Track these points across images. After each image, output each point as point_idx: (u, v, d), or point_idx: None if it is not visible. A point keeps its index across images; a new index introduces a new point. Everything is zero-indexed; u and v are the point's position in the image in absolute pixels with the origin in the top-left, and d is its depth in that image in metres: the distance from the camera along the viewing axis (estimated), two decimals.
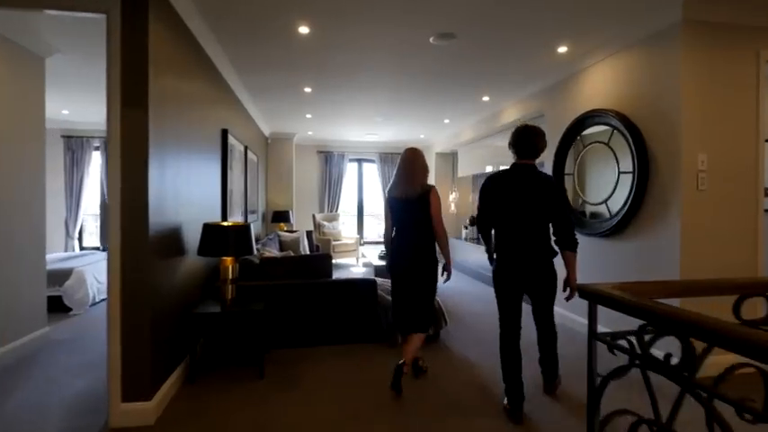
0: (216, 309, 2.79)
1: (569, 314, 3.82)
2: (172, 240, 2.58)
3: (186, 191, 2.84)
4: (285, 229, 7.11)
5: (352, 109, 5.70)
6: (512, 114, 5.22)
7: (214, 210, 3.63)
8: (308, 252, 6.16)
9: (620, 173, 3.35)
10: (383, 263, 5.47)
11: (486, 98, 5.07)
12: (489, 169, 6.76)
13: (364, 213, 9.21)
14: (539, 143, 2.39)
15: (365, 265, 6.44)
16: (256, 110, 5.75)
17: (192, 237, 2.92)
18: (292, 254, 3.98)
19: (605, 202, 3.49)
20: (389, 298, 3.46)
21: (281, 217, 7.17)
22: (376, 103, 5.41)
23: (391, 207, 2.73)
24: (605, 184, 3.52)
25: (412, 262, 2.64)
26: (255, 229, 5.99)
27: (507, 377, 2.33)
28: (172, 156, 2.56)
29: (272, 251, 4.09)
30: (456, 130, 7.11)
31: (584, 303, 1.16)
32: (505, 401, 2.35)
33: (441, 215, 2.63)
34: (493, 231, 2.51)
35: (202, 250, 2.79)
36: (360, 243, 8.34)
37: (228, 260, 2.86)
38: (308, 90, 4.73)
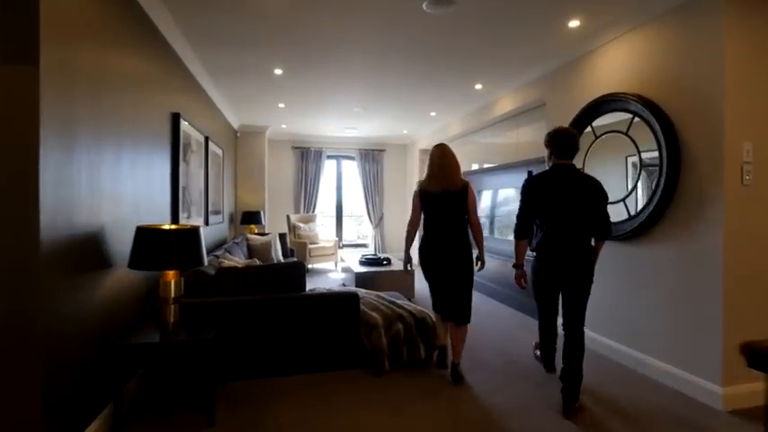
0: (154, 337, 2.16)
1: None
2: (87, 249, 1.94)
3: (113, 184, 2.21)
4: (256, 231, 6.45)
5: (329, 97, 5.11)
6: (506, 105, 4.74)
7: (160, 210, 2.98)
8: (280, 257, 5.53)
9: (642, 166, 2.89)
10: (365, 269, 4.91)
11: (478, 86, 4.58)
12: (475, 167, 6.30)
13: (343, 214, 8.61)
14: (577, 144, 2.46)
15: (344, 270, 5.86)
16: (221, 97, 5.09)
17: (124, 243, 2.29)
18: (258, 262, 3.36)
19: (623, 200, 3.03)
20: (374, 314, 2.91)
21: (251, 218, 6.50)
22: (356, 91, 4.84)
23: (425, 201, 2.76)
24: (623, 179, 3.06)
25: (451, 253, 2.69)
26: (221, 231, 5.32)
27: (545, 349, 2.75)
28: (88, 137, 1.92)
29: (235, 259, 3.47)
30: (443, 124, 6.60)
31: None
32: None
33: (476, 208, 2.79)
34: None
35: (135, 261, 2.15)
36: (339, 246, 7.74)
37: (170, 274, 2.23)
38: (278, 72, 4.12)
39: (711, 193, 2.42)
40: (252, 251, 5.10)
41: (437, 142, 7.35)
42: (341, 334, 2.84)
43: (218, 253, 3.69)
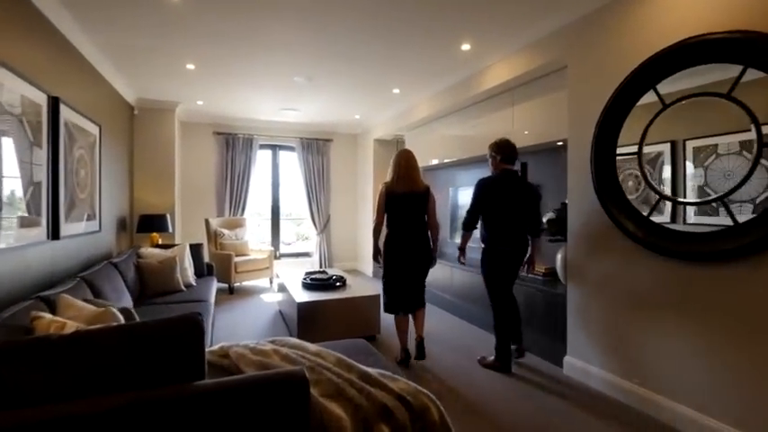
0: None
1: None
2: None
3: None
4: (159, 242, 4.78)
5: (258, 56, 3.65)
6: (500, 74, 3.61)
7: None
8: (191, 279, 3.95)
9: (762, 146, 1.85)
10: (311, 296, 3.53)
11: (465, 46, 3.39)
12: (435, 162, 5.23)
13: (281, 217, 7.08)
14: (517, 152, 2.96)
15: (281, 289, 4.40)
16: (93, 46, 3.42)
17: None
18: (118, 315, 1.85)
19: (721, 199, 1.98)
20: (337, 411, 1.59)
21: (152, 224, 4.81)
22: (295, 50, 3.44)
23: (391, 201, 2.95)
24: (719, 168, 2.01)
25: (416, 249, 2.97)
26: (94, 245, 3.64)
27: (501, 338, 2.87)
28: None
29: (80, 303, 1.93)
30: (407, 105, 5.37)
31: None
32: (493, 359, 2.92)
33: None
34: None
35: None
36: (275, 256, 6.25)
37: None
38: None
39: None
40: (143, 275, 3.49)
41: (397, 130, 6.15)
42: None
43: (55, 291, 2.13)
